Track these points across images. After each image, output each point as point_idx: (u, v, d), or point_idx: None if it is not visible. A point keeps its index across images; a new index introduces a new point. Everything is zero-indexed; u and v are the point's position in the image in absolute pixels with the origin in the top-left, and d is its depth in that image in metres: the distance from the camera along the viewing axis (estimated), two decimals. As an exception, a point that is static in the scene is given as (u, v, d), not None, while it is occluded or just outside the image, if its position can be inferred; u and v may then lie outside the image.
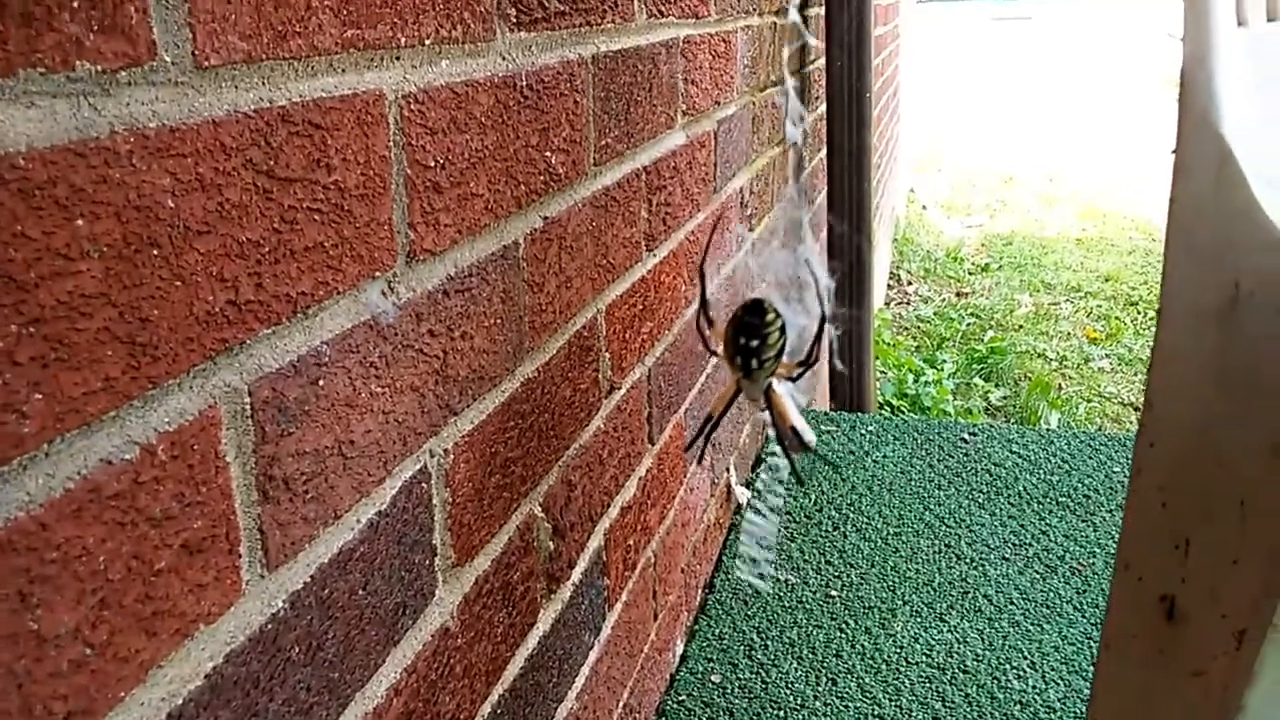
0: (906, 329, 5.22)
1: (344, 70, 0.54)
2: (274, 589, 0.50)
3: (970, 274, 6.25)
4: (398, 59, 0.59)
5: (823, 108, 2.20)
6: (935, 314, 5.45)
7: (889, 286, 5.89)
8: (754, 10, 1.62)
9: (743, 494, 1.70)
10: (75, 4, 0.37)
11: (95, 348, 0.38)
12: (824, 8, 2.09)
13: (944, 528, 1.70)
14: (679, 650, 1.38)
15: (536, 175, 0.80)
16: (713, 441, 1.54)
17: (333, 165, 0.53)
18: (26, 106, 0.36)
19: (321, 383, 0.53)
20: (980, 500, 1.78)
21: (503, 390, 0.77)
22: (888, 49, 4.73)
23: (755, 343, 0.88)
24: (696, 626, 1.43)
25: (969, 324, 5.27)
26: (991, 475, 1.87)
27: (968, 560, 1.60)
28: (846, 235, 2.13)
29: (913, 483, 1.85)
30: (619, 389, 1.05)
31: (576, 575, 0.94)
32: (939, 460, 1.93)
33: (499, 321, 0.75)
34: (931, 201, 8.01)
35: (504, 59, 0.73)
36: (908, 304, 5.69)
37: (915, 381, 4.38)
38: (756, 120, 1.69)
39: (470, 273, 0.70)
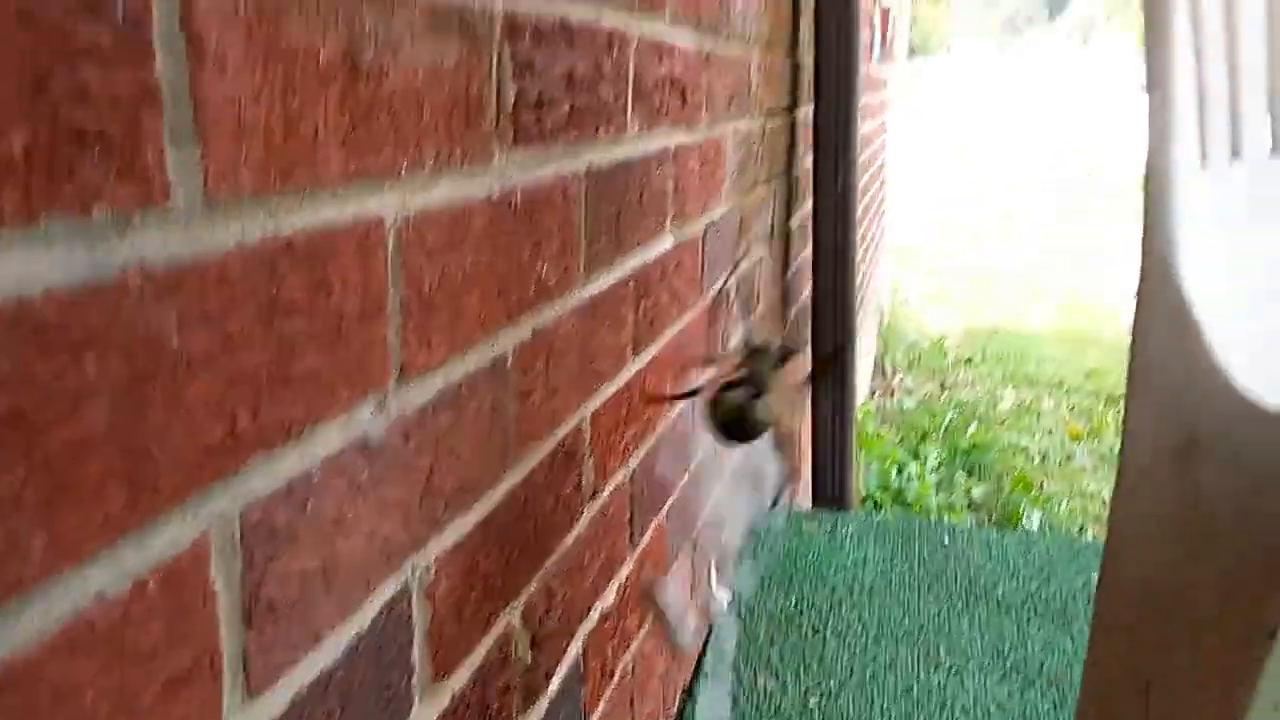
0: (889, 421, 5.24)
1: (346, 199, 0.56)
2: (253, 717, 0.50)
3: (953, 366, 6.30)
4: (398, 183, 0.61)
5: (809, 204, 2.24)
6: (919, 405, 5.48)
7: (874, 377, 5.92)
8: (745, 113, 1.66)
9: (724, 595, 1.70)
10: (97, 151, 0.39)
11: (98, 486, 0.39)
12: (813, 108, 2.15)
13: (922, 634, 1.69)
14: (655, 755, 1.36)
15: (527, 287, 0.82)
16: (694, 541, 1.54)
17: (332, 292, 0.55)
18: (46, 250, 0.37)
19: (310, 505, 0.54)
20: (959, 606, 1.78)
21: (487, 502, 0.77)
22: (873, 145, 4.83)
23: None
24: (673, 731, 1.42)
25: (952, 417, 5.30)
26: (970, 580, 1.87)
27: (946, 668, 1.59)
28: (830, 330, 2.15)
29: (892, 585, 1.85)
30: (601, 493, 1.06)
31: (554, 687, 0.94)
32: (919, 563, 1.93)
33: (485, 433, 0.76)
34: (915, 294, 8.11)
35: (501, 176, 0.75)
36: (892, 395, 5.72)
37: (899, 475, 4.39)
38: (745, 222, 1.72)
39: (460, 387, 0.71)
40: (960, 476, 4.58)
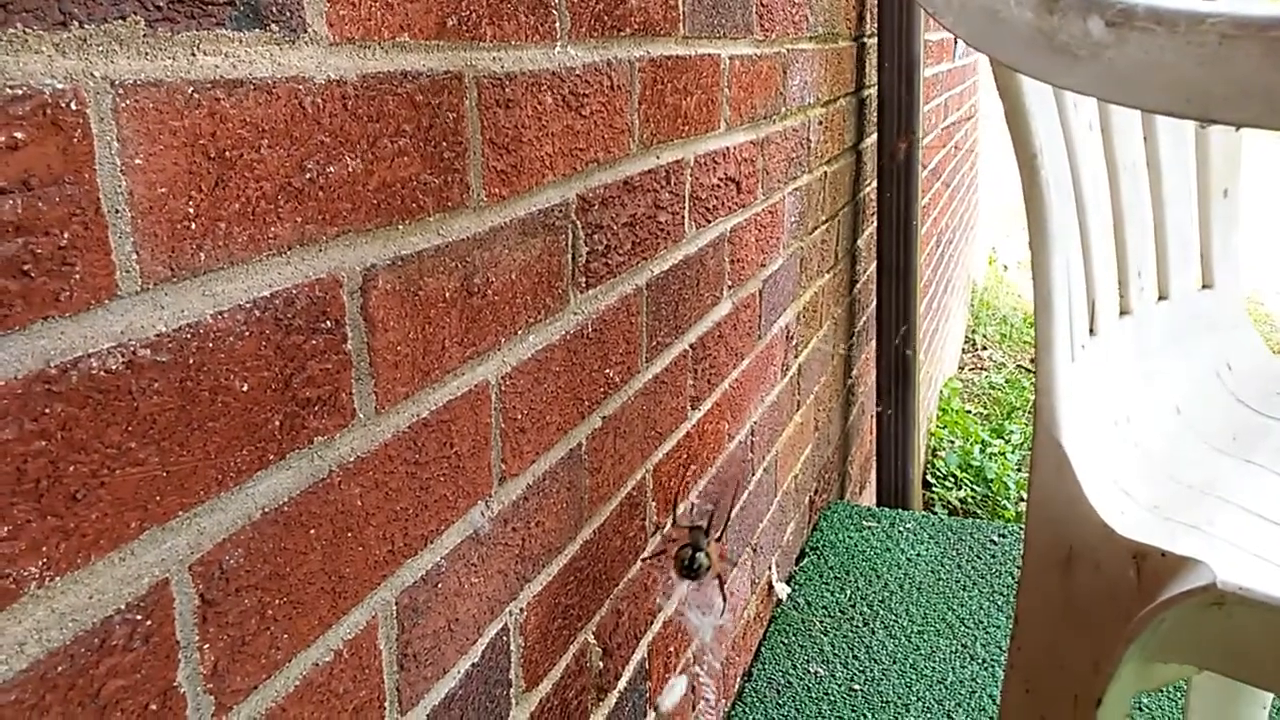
0: (976, 396, 5.38)
1: (462, 375, 0.81)
2: (405, 728, 0.76)
3: (1047, 339, 6.36)
4: (498, 351, 0.86)
5: (873, 227, 2.43)
6: (1006, 381, 5.59)
7: (963, 351, 6.03)
8: (804, 170, 1.87)
9: (783, 590, 1.94)
10: (316, 408, 0.64)
11: (316, 598, 0.65)
12: (875, 140, 2.33)
13: (963, 628, 1.91)
14: (715, 731, 1.62)
15: (597, 389, 1.06)
16: (754, 545, 1.79)
17: (454, 442, 0.80)
18: (287, 472, 0.63)
19: (439, 585, 0.80)
20: (999, 603, 1.99)
21: (566, 554, 1.03)
22: (963, 129, 4.92)
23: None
24: (733, 713, 1.67)
25: (1040, 393, 5.39)
26: (1014, 579, 2.07)
27: (979, 661, 1.81)
28: (892, 346, 2.35)
29: (941, 582, 2.06)
30: (663, 527, 1.31)
31: (621, 684, 1.19)
32: (967, 561, 2.14)
33: (565, 505, 1.01)
34: (1013, 260, 8.12)
35: (575, 315, 1.00)
36: (981, 370, 5.84)
37: (981, 453, 4.54)
38: (805, 261, 1.94)
39: (544, 477, 0.96)
40: (1044, 455, 4.70)
